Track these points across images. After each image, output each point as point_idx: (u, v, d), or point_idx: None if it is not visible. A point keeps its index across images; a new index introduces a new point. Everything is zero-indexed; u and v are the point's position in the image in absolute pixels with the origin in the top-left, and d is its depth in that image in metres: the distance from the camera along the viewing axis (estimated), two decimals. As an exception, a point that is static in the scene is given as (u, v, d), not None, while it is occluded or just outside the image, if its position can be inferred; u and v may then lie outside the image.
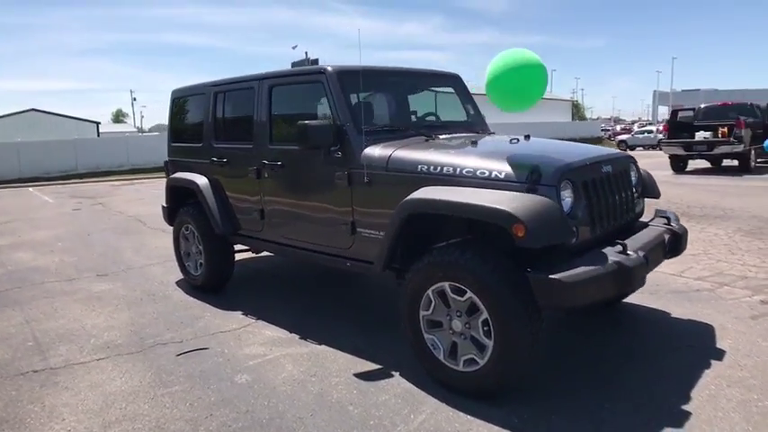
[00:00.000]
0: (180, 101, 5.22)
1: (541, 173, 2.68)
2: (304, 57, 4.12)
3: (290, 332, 3.85)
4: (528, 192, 2.65)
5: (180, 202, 5.14)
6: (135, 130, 62.57)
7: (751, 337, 3.46)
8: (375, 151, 3.30)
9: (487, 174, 2.81)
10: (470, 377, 2.78)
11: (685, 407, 2.66)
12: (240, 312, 4.33)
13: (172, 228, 5.25)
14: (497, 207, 2.55)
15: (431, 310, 2.91)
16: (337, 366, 3.28)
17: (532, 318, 2.59)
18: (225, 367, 3.34)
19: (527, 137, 3.49)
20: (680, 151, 14.22)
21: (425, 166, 3.03)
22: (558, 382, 2.98)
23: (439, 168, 2.97)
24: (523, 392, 2.82)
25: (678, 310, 3.99)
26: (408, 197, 2.93)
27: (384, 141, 3.40)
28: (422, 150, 3.22)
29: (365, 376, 3.14)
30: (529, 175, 2.69)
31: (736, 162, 14.01)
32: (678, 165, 14.57)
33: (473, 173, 2.86)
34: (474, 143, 3.41)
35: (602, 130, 44.84)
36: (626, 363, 3.19)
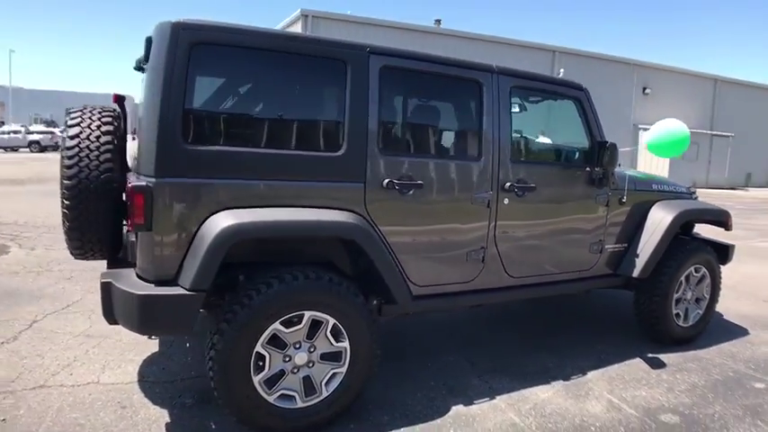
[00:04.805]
0: (226, 53, 2.49)
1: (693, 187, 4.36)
2: None
3: (505, 391, 3.17)
4: (691, 197, 4.17)
5: (231, 275, 2.55)
6: None
7: None
8: (620, 172, 3.68)
9: (675, 188, 4.10)
10: None
11: None
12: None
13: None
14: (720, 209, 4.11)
15: None
16: (628, 393, 3.11)
17: None
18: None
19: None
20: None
21: (657, 185, 4.00)
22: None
23: (663, 187, 4.01)
24: None
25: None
26: (683, 209, 3.77)
27: None
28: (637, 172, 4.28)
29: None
30: (691, 186, 4.27)
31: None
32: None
33: (674, 189, 4.07)
34: None
35: None
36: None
